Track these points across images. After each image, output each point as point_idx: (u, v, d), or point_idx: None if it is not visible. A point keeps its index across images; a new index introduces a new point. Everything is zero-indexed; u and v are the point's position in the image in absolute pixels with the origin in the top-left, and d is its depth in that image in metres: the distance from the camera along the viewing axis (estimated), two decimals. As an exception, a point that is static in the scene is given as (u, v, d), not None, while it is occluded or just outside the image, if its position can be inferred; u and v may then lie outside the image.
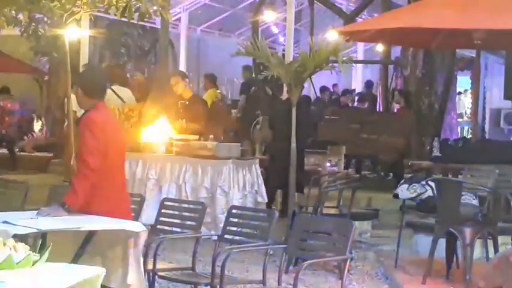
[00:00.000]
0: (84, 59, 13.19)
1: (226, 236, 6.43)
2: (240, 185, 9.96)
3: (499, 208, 7.87)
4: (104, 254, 5.40)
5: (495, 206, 7.81)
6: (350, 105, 17.93)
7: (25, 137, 18.88)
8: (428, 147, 14.56)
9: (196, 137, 10.46)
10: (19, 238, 4.28)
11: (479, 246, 8.20)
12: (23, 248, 3.71)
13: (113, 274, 5.27)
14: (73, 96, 8.93)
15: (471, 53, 17.15)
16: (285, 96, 11.25)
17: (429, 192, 8.23)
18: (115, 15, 8.48)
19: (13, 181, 8.10)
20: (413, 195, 8.44)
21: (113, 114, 8.78)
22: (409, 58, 17.10)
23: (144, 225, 5.44)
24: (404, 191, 8.49)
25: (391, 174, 14.76)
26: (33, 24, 8.71)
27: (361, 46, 21.83)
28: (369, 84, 19.90)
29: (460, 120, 21.02)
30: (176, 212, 6.94)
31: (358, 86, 21.54)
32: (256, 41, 9.26)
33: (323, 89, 19.10)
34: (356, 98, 18.54)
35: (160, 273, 6.39)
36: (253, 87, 15.82)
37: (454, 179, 8.85)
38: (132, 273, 5.28)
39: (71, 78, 10.06)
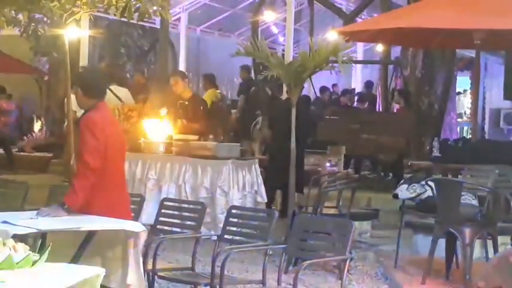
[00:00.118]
0: (83, 59, 13.19)
1: (226, 236, 6.43)
2: (239, 185, 9.96)
3: (498, 208, 7.87)
4: (103, 254, 5.40)
5: (495, 206, 7.81)
6: (350, 105, 17.91)
7: (25, 137, 18.87)
8: (428, 148, 14.58)
9: (196, 137, 10.46)
10: (19, 238, 4.28)
11: (478, 246, 8.20)
12: (22, 248, 3.71)
13: (112, 274, 5.28)
14: (73, 96, 8.94)
15: (471, 53, 17.17)
16: (284, 96, 11.25)
17: (429, 192, 8.23)
18: (115, 15, 8.48)
19: (13, 181, 8.09)
20: (413, 195, 8.44)
21: (113, 114, 8.78)
22: (408, 58, 17.10)
23: (144, 225, 5.44)
24: (404, 191, 8.49)
25: (390, 174, 14.75)
26: (33, 24, 8.72)
27: (360, 46, 21.83)
28: (368, 85, 19.90)
29: (459, 120, 21.02)
30: (176, 212, 6.93)
31: (357, 86, 21.53)
32: (256, 41, 9.26)
33: (323, 89, 19.09)
34: (356, 98, 18.53)
35: (160, 273, 6.39)
36: (253, 87, 15.83)
37: (454, 179, 8.85)
38: (132, 273, 5.28)
39: (71, 78, 10.07)
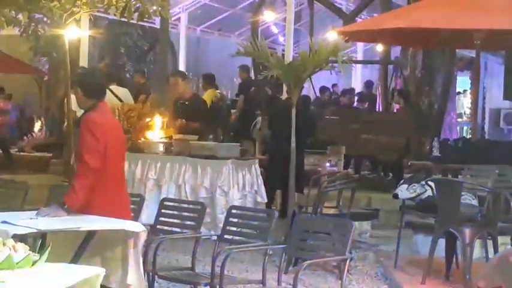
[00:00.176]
0: (83, 59, 13.19)
1: (225, 236, 6.43)
2: (239, 185, 9.96)
3: (498, 208, 7.87)
4: (103, 254, 5.40)
5: (495, 206, 7.81)
6: (350, 105, 17.90)
7: (24, 137, 18.86)
8: (428, 147, 14.55)
9: (196, 137, 10.46)
10: (19, 238, 4.28)
11: (478, 246, 8.20)
12: (22, 248, 3.71)
13: (112, 274, 5.28)
14: (73, 97, 8.95)
15: (471, 53, 17.17)
16: (284, 96, 11.24)
17: (429, 192, 8.23)
18: (115, 15, 8.49)
19: (12, 181, 8.10)
20: (413, 195, 8.44)
21: (113, 114, 8.78)
22: (408, 58, 17.08)
23: (144, 225, 5.44)
24: (404, 191, 8.49)
25: (390, 174, 14.74)
26: (33, 24, 8.72)
27: (360, 46, 21.84)
28: (368, 84, 19.89)
29: (459, 120, 21.02)
30: (176, 212, 6.93)
31: (357, 86, 21.53)
32: (256, 41, 9.26)
33: (323, 89, 19.09)
34: (356, 98, 18.52)
35: (160, 273, 6.39)
36: (253, 87, 15.82)
37: (454, 179, 8.85)
38: (132, 273, 5.28)
39: (71, 78, 10.08)
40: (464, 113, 22.89)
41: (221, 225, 6.97)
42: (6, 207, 6.50)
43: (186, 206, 7.31)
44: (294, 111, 8.83)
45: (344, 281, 5.87)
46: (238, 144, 11.27)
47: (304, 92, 13.84)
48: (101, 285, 3.87)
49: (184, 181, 10.06)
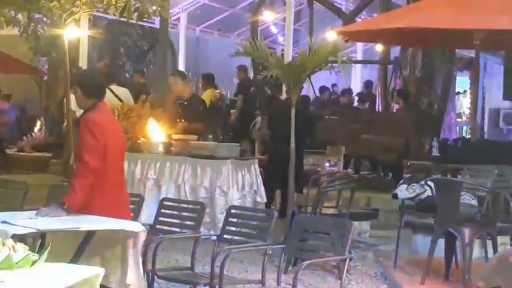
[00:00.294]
0: (83, 59, 13.19)
1: (225, 236, 6.43)
2: (239, 185, 9.96)
3: (498, 208, 7.87)
4: (103, 254, 5.40)
5: (494, 206, 7.81)
6: (349, 105, 17.89)
7: (24, 137, 18.85)
8: (427, 148, 14.55)
9: (195, 137, 10.46)
10: (18, 238, 4.28)
11: (478, 246, 8.20)
12: (22, 248, 3.71)
13: (112, 274, 5.28)
14: (72, 96, 8.94)
15: (470, 53, 17.18)
16: (284, 96, 11.24)
17: (428, 192, 8.23)
18: (114, 15, 8.49)
19: (12, 181, 8.09)
20: (413, 195, 8.44)
21: (113, 114, 8.77)
22: (408, 58, 17.09)
23: (143, 225, 5.44)
24: (404, 191, 8.49)
25: (390, 174, 14.75)
26: (33, 24, 8.72)
27: (360, 46, 21.84)
28: (368, 84, 19.90)
29: (459, 120, 21.02)
30: (175, 212, 6.93)
31: (357, 86, 21.54)
32: (256, 41, 9.26)
33: (322, 89, 19.09)
34: (356, 98, 18.53)
35: (159, 273, 6.40)
36: (252, 87, 15.82)
37: (453, 179, 8.84)
38: (131, 273, 5.28)
39: (70, 78, 10.07)
40: (464, 113, 22.90)
41: (220, 225, 6.96)
42: (6, 207, 6.49)
43: (185, 206, 7.31)
44: (293, 111, 8.83)
45: (343, 281, 5.87)
46: (238, 144, 11.27)
47: (303, 92, 13.86)
48: (100, 285, 3.87)
49: (183, 181, 10.06)
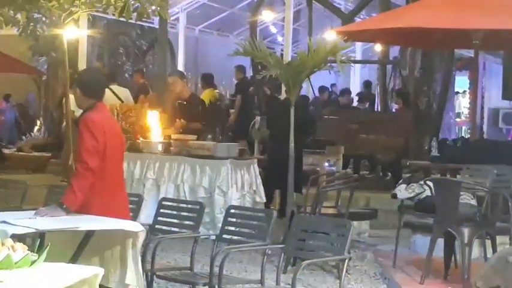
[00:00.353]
0: (82, 58, 13.18)
1: (224, 236, 6.43)
2: (238, 184, 9.96)
3: (497, 208, 7.87)
4: (102, 254, 5.40)
5: (493, 206, 7.81)
6: (348, 105, 17.90)
7: (23, 137, 18.86)
8: (426, 147, 14.56)
9: (195, 136, 10.46)
10: (17, 238, 4.28)
11: (477, 246, 8.20)
12: (21, 248, 3.71)
13: (111, 274, 5.28)
14: (71, 96, 8.93)
15: (469, 53, 17.17)
16: (283, 96, 11.24)
17: (427, 192, 8.23)
18: (113, 14, 8.48)
19: (11, 181, 8.10)
20: (412, 195, 8.44)
21: (112, 114, 8.77)
22: (407, 58, 17.08)
23: (143, 225, 5.43)
24: (403, 191, 8.49)
25: (389, 174, 14.75)
26: (32, 24, 8.71)
27: (359, 46, 21.83)
28: (367, 84, 19.91)
29: (458, 120, 21.02)
30: (174, 212, 6.93)
31: (356, 85, 21.54)
32: (255, 40, 9.25)
33: (321, 88, 19.10)
34: (356, 98, 18.53)
35: (158, 273, 6.39)
36: (251, 87, 15.82)
37: (453, 179, 8.84)
38: (131, 273, 5.28)
39: (69, 78, 10.07)
40: (462, 113, 22.90)
41: (220, 225, 6.97)
42: (5, 207, 6.50)
43: (184, 205, 7.31)
44: (292, 111, 8.83)
45: (342, 280, 5.87)
46: (237, 144, 11.26)
47: (303, 92, 13.85)
48: (99, 285, 3.87)
49: (183, 181, 10.06)
